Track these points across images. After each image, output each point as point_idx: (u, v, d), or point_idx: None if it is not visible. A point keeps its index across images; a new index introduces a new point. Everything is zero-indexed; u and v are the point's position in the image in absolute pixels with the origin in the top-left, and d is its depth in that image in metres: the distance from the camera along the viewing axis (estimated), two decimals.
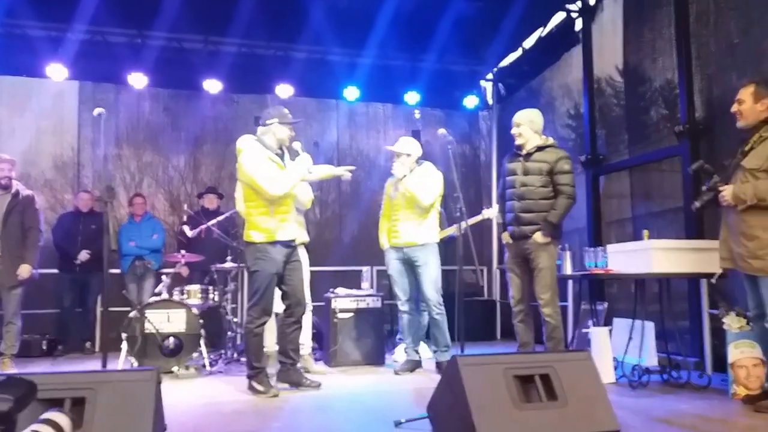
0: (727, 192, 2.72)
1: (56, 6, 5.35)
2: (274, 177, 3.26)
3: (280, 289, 3.42)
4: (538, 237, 3.46)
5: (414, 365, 4.05)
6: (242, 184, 3.40)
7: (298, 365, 3.53)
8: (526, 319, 3.63)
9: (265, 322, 3.34)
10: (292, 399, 3.18)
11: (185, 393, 3.37)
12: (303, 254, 3.85)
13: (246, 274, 5.83)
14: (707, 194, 2.82)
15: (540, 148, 3.57)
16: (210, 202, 5.57)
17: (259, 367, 3.31)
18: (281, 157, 3.44)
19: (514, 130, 3.64)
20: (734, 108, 2.80)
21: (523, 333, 3.63)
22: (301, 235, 3.82)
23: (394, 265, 4.09)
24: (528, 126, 3.60)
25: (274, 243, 3.30)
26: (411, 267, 4.05)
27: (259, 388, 3.26)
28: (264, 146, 3.36)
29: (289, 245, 3.39)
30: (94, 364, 3.88)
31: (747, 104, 2.74)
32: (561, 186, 3.49)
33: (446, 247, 4.61)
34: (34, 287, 4.66)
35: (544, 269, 3.47)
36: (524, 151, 3.61)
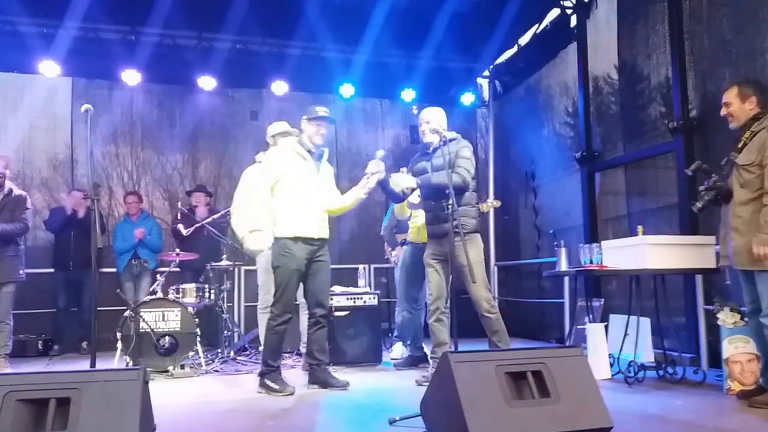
0: (757, 246, 2.51)
1: (48, 1, 5.33)
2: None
3: (303, 287, 3.36)
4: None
5: (416, 360, 4.11)
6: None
7: (324, 365, 3.41)
8: (443, 318, 3.45)
9: (287, 320, 3.25)
10: (288, 397, 3.16)
11: (180, 392, 3.36)
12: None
13: (242, 272, 5.93)
14: (708, 194, 2.81)
15: (445, 143, 3.40)
16: (198, 200, 5.53)
17: (274, 365, 3.24)
18: (319, 157, 3.38)
19: (423, 127, 3.52)
20: (723, 111, 2.82)
21: (439, 333, 3.45)
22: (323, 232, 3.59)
23: (412, 261, 4.10)
24: (435, 123, 3.49)
25: (295, 239, 3.24)
26: None
27: (274, 386, 3.18)
28: (302, 145, 3.34)
29: (312, 242, 3.30)
30: (89, 364, 3.86)
31: (735, 105, 2.76)
32: (458, 168, 3.37)
33: None
34: (29, 287, 4.64)
35: (475, 263, 3.23)
36: (431, 148, 3.52)
